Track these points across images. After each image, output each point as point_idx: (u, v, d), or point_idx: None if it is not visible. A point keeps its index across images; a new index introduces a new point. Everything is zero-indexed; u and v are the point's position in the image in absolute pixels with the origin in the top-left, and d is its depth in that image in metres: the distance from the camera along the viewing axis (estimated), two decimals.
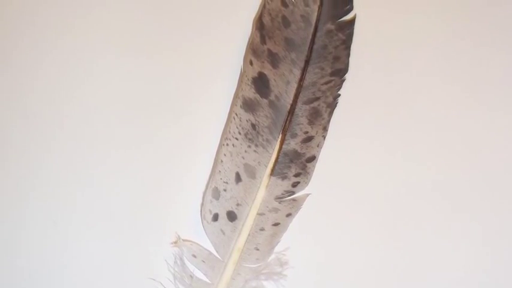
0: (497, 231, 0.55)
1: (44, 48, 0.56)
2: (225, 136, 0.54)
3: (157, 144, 0.55)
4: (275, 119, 0.53)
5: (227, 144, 0.53)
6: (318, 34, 0.53)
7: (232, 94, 0.55)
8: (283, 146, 0.53)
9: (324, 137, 0.54)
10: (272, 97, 0.53)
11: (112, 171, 0.55)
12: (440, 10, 0.57)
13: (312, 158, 0.54)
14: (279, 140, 0.53)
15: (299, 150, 0.54)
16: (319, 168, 0.54)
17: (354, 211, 0.55)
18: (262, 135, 0.53)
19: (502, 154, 0.56)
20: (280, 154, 0.53)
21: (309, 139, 0.54)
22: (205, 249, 0.54)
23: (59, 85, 0.56)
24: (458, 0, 0.57)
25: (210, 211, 0.54)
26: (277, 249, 0.54)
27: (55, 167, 0.55)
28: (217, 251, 0.54)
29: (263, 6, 0.54)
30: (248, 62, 0.54)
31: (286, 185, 0.54)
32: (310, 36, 0.53)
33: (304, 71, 0.53)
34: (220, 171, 0.53)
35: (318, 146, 0.54)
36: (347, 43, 0.54)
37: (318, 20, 0.53)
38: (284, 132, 0.53)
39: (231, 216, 0.54)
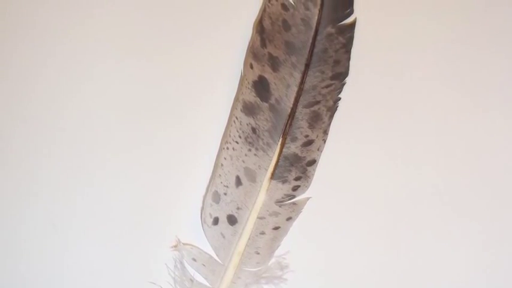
0: (498, 235, 0.55)
1: (44, 51, 0.56)
2: (225, 140, 0.54)
3: (157, 147, 0.55)
4: (275, 122, 0.53)
5: (227, 148, 0.53)
6: (319, 38, 0.53)
7: (233, 98, 0.55)
8: (284, 150, 0.53)
9: (325, 141, 0.54)
10: (272, 101, 0.53)
11: (112, 175, 0.55)
12: (440, 14, 0.57)
13: (313, 162, 0.54)
14: (280, 143, 0.53)
15: (299, 154, 0.54)
16: (320, 172, 0.54)
17: (354, 215, 0.55)
18: (262, 139, 0.53)
19: (502, 158, 0.56)
20: (280, 158, 0.53)
21: (309, 143, 0.54)
22: (206, 252, 0.54)
23: (59, 88, 0.56)
24: (458, 4, 0.57)
25: (211, 215, 0.54)
26: (277, 253, 0.54)
27: (55, 170, 0.55)
28: (217, 255, 0.54)
29: (263, 10, 0.53)
30: (248, 66, 0.54)
31: (286, 188, 0.54)
32: (310, 40, 0.53)
33: (304, 75, 0.53)
34: (220, 174, 0.53)
35: (318, 150, 0.54)
36: (347, 47, 0.53)
37: (318, 24, 0.53)
38: (284, 135, 0.53)
39: (232, 219, 0.54)
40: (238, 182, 0.53)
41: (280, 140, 0.53)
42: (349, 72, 0.54)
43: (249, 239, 0.53)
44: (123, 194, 0.55)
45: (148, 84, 0.56)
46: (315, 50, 0.53)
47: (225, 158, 0.53)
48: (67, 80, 0.56)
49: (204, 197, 0.54)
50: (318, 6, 0.53)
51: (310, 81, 0.53)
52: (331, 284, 0.55)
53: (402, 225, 0.55)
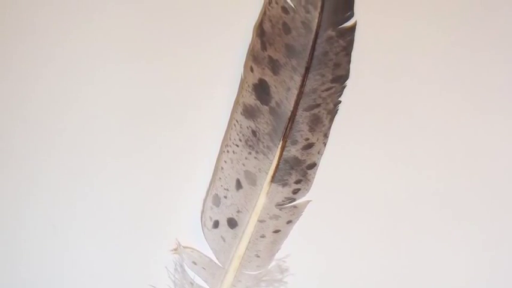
0: (498, 238, 0.55)
1: (45, 54, 0.56)
2: (225, 143, 0.54)
3: (157, 151, 0.55)
4: (276, 125, 0.53)
5: (227, 151, 0.53)
6: (319, 41, 0.53)
7: (233, 101, 0.55)
8: (284, 153, 0.53)
9: (325, 144, 0.54)
10: (273, 104, 0.53)
11: (112, 178, 0.55)
12: (440, 17, 0.56)
13: (313, 165, 0.54)
14: (280, 146, 0.53)
15: (300, 157, 0.53)
16: (320, 175, 0.54)
17: (354, 218, 0.55)
18: (262, 142, 0.53)
19: (502, 161, 0.56)
20: (280, 161, 0.53)
21: (309, 146, 0.54)
22: (206, 256, 0.54)
23: (59, 91, 0.56)
24: (458, 7, 0.57)
25: (211, 218, 0.53)
26: (277, 256, 0.54)
27: (56, 172, 0.55)
28: (217, 258, 0.54)
29: (264, 13, 0.53)
30: (249, 69, 0.53)
31: (286, 191, 0.54)
32: (310, 43, 0.53)
33: (304, 78, 0.53)
34: (220, 178, 0.53)
35: (318, 153, 0.54)
36: (348, 50, 0.53)
37: (318, 27, 0.53)
38: (285, 139, 0.53)
39: (232, 223, 0.53)
40: (239, 185, 0.53)
41: (281, 143, 0.53)
42: (350, 75, 0.54)
43: (249, 242, 0.53)
44: (123, 196, 0.55)
45: (149, 87, 0.56)
46: (315, 53, 0.53)
47: (225, 161, 0.53)
48: (68, 83, 0.56)
49: (205, 200, 0.54)
50: (318, 9, 0.53)
51: (311, 84, 0.53)
52: (331, 287, 0.55)
53: (402, 228, 0.55)
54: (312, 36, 0.53)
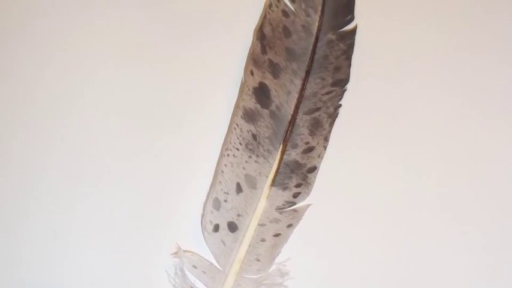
0: (498, 242, 0.55)
1: (45, 57, 0.56)
2: (225, 146, 0.53)
3: (157, 154, 0.55)
4: (276, 129, 0.53)
5: (228, 155, 0.53)
6: (319, 44, 0.53)
7: (233, 104, 0.55)
8: (284, 157, 0.53)
9: (325, 148, 0.54)
10: (273, 107, 0.53)
11: (112, 182, 0.55)
12: (441, 20, 0.56)
13: (313, 169, 0.54)
14: (280, 150, 0.53)
15: (300, 161, 0.53)
16: (320, 179, 0.54)
17: (355, 222, 0.55)
18: (263, 146, 0.53)
19: (502, 165, 0.56)
20: (281, 164, 0.53)
21: (310, 149, 0.53)
22: (206, 260, 0.54)
23: (59, 95, 0.56)
24: (458, 11, 0.56)
25: (211, 222, 0.53)
26: (278, 260, 0.54)
27: (56, 177, 0.55)
28: (218, 262, 0.54)
29: (264, 17, 0.53)
30: (249, 72, 0.53)
31: (287, 195, 0.54)
32: (311, 46, 0.53)
33: (305, 81, 0.53)
34: (221, 181, 0.53)
35: (319, 157, 0.54)
36: (348, 53, 0.53)
37: (319, 30, 0.53)
38: (285, 142, 0.53)
39: (232, 226, 0.53)
40: (239, 188, 0.53)
41: (281, 146, 0.53)
42: (350, 78, 0.54)
43: (249, 246, 0.53)
44: (123, 200, 0.55)
45: (149, 90, 0.56)
46: (316, 57, 0.53)
47: (225, 165, 0.53)
48: (67, 86, 0.56)
49: (205, 203, 0.54)
50: (319, 13, 0.53)
51: (311, 87, 0.53)
52: None
53: (403, 232, 0.55)
54: (313, 39, 0.53)
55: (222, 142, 0.55)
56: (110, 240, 0.55)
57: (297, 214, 0.54)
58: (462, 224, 0.55)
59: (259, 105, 0.53)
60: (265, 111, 0.53)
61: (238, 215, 0.53)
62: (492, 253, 0.55)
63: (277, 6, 0.53)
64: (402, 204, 0.55)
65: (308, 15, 0.53)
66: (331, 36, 0.53)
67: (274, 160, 0.53)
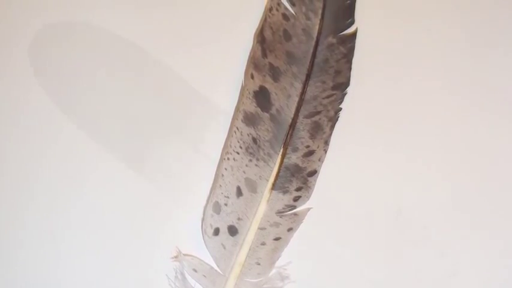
0: (499, 247, 0.55)
1: (41, 57, 0.56)
2: (226, 150, 0.53)
3: (158, 158, 0.55)
4: (276, 133, 0.53)
5: (228, 159, 0.53)
6: (319, 48, 0.53)
7: (233, 108, 0.55)
8: (285, 160, 0.53)
9: (326, 151, 0.54)
10: (273, 111, 0.53)
11: (112, 186, 0.55)
12: (440, 24, 0.56)
13: (313, 172, 0.54)
14: (280, 154, 0.53)
15: (300, 164, 0.53)
16: (321, 182, 0.54)
17: (355, 225, 0.55)
18: (263, 149, 0.53)
19: (506, 166, 0.56)
20: (281, 168, 0.53)
21: (310, 153, 0.53)
22: (206, 263, 0.54)
23: (58, 98, 0.56)
24: (458, 13, 0.57)
25: (211, 225, 0.53)
26: (278, 263, 0.54)
27: (54, 181, 0.55)
28: (218, 266, 0.54)
29: (264, 20, 0.53)
30: (249, 76, 0.53)
31: (287, 199, 0.54)
32: (311, 50, 0.53)
33: (305, 85, 0.53)
34: (221, 185, 0.53)
35: (319, 160, 0.54)
36: (348, 57, 0.53)
37: (319, 34, 0.52)
38: (285, 146, 0.53)
39: (232, 230, 0.53)
40: (239, 192, 0.53)
41: (281, 150, 0.53)
42: (350, 82, 0.54)
43: (249, 249, 0.53)
44: (123, 204, 0.55)
45: (149, 94, 0.56)
46: (316, 60, 0.53)
47: (225, 169, 0.53)
48: (66, 90, 0.56)
49: (205, 207, 0.54)
50: (319, 16, 0.52)
51: (311, 91, 0.53)
52: None
53: (403, 235, 0.55)
54: (313, 43, 0.53)
55: (222, 146, 0.55)
56: (111, 244, 0.55)
57: (298, 218, 0.54)
58: (462, 225, 0.55)
59: (259, 109, 0.53)
60: (266, 115, 0.53)
61: (239, 219, 0.53)
62: (493, 257, 0.55)
63: (277, 10, 0.53)
64: (403, 207, 0.55)
65: (308, 18, 0.52)
66: (331, 39, 0.53)
67: (275, 164, 0.53)
